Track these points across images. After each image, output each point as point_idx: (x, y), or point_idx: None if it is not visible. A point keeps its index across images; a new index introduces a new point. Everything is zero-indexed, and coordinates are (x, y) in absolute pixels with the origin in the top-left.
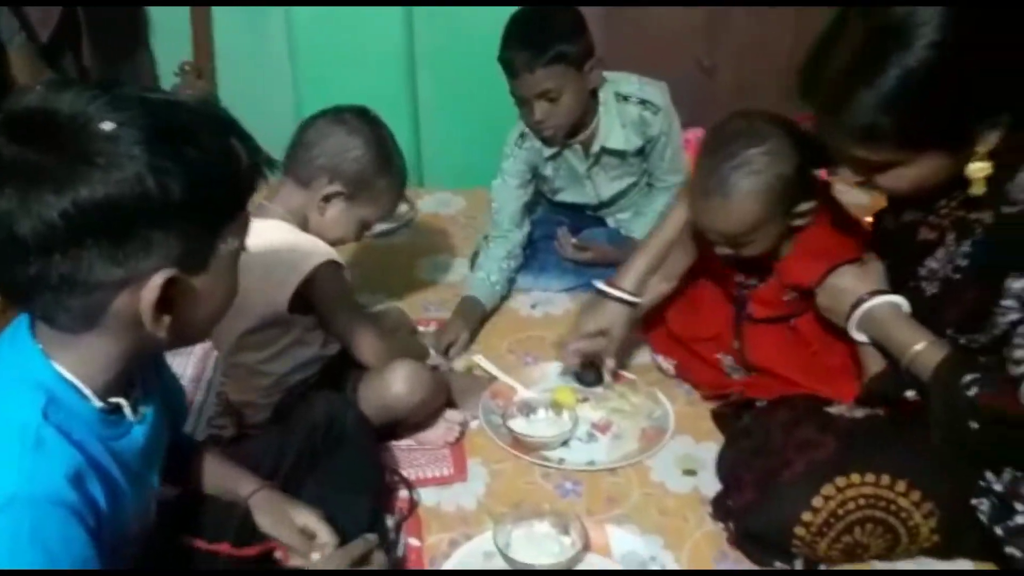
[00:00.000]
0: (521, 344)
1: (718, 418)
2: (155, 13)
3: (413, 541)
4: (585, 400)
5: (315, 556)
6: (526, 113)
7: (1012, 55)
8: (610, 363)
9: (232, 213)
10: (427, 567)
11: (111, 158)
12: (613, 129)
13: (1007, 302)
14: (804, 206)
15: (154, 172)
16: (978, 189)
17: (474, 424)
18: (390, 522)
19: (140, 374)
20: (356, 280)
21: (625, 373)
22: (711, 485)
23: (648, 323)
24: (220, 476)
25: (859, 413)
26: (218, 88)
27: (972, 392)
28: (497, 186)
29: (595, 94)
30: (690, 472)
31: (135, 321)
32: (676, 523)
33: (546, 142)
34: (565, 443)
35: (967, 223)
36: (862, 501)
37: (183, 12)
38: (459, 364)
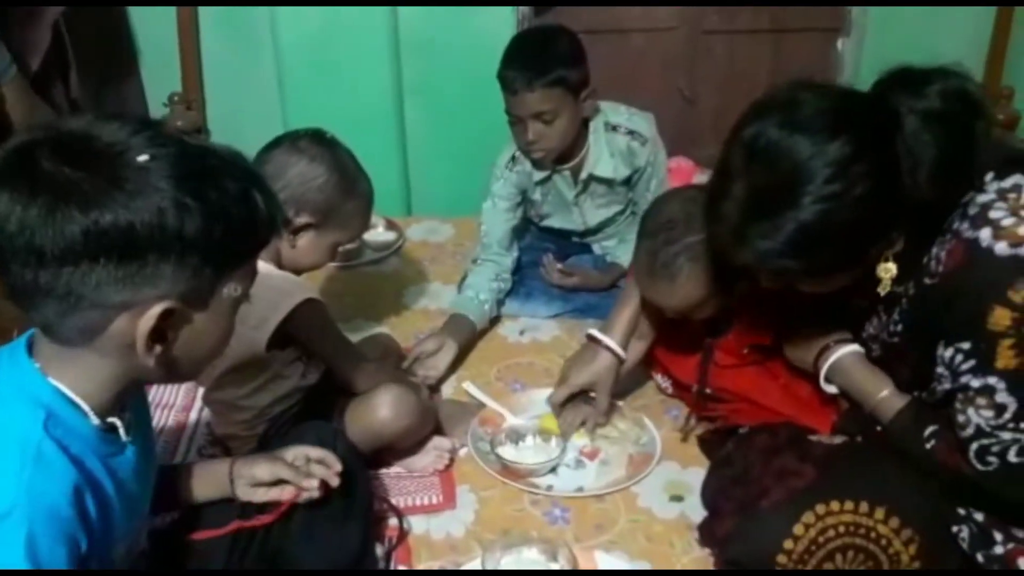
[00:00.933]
0: (509, 371)
1: (704, 444)
2: (144, 44)
3: (402, 567)
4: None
5: (316, 469)
6: (519, 133)
7: (894, 189)
8: (600, 419)
9: (241, 259)
10: None
11: (139, 186)
12: (602, 157)
13: (939, 369)
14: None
15: (175, 206)
16: (884, 288)
17: (462, 451)
18: (380, 550)
19: (130, 399)
20: (344, 307)
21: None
22: (698, 511)
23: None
24: (204, 477)
25: (837, 439)
26: (207, 118)
27: (930, 445)
28: (487, 209)
29: (586, 123)
30: (677, 498)
31: (129, 345)
32: (663, 549)
33: (536, 164)
34: (553, 470)
35: (893, 295)
36: (842, 529)
37: (172, 43)
38: (447, 391)
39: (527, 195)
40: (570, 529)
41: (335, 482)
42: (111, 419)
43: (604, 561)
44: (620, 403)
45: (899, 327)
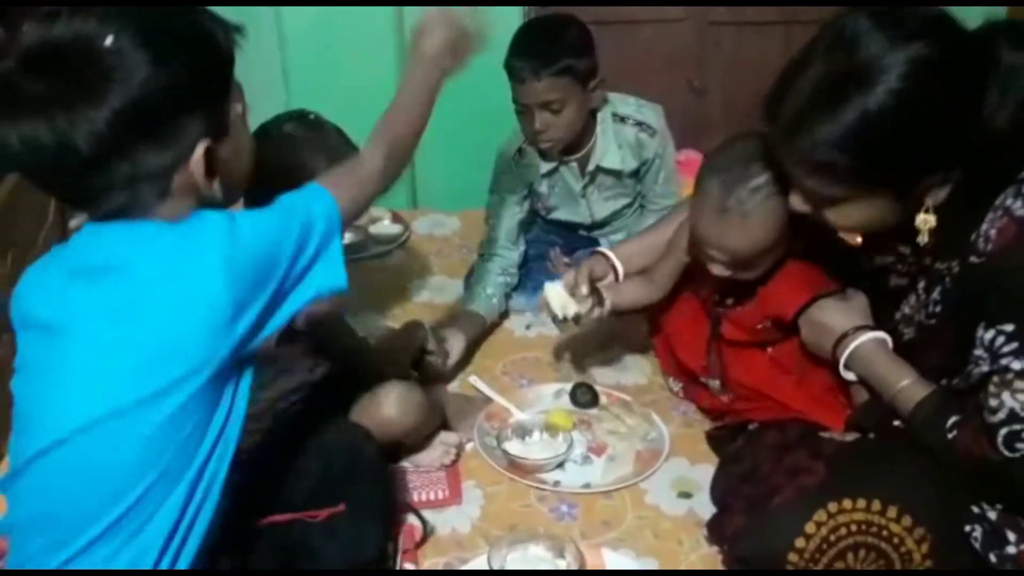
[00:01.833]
0: (516, 365)
1: (713, 440)
2: None
3: (408, 565)
4: (580, 422)
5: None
6: (526, 122)
7: (968, 115)
8: (571, 308)
9: (228, 80)
10: None
11: (123, 70)
12: (609, 149)
13: (978, 351)
14: (803, 234)
15: (164, 67)
16: (923, 239)
17: (469, 446)
18: (391, 547)
19: None
20: (349, 301)
21: (620, 394)
22: (706, 507)
23: (656, 346)
24: None
25: (849, 437)
26: None
27: (952, 435)
28: (494, 203)
29: (594, 114)
30: (685, 495)
31: (195, 188)
32: (671, 546)
33: (543, 154)
34: (560, 465)
35: (935, 273)
36: (854, 527)
37: None
38: (453, 385)
39: (533, 188)
40: (577, 525)
41: None
42: None
43: (611, 558)
44: (629, 399)
45: (939, 308)
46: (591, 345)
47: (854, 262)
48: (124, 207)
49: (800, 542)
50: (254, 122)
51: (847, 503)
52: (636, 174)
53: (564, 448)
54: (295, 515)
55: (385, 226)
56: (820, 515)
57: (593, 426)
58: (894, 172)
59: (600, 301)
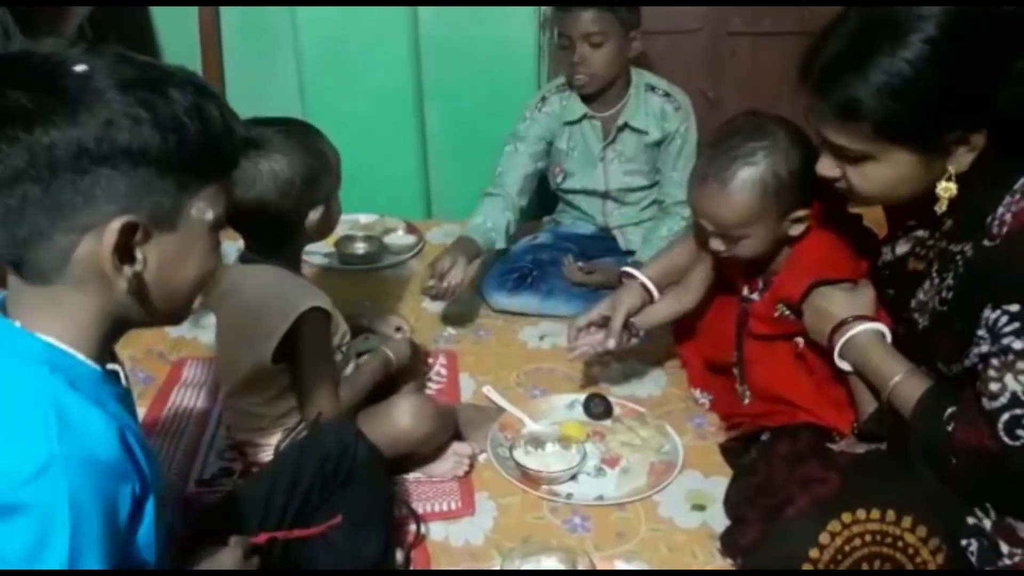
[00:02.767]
0: (529, 376)
1: (726, 452)
2: (166, 46)
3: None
4: (594, 434)
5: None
6: (566, 56)
7: (998, 71)
8: (610, 342)
9: (202, 175)
10: None
11: (82, 97)
12: (639, 111)
13: (980, 332)
14: (798, 212)
15: (124, 117)
16: (941, 207)
17: (482, 457)
18: (399, 556)
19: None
20: (364, 310)
21: (634, 406)
22: (720, 520)
23: (684, 356)
24: None
25: (860, 449)
26: None
27: (949, 427)
28: (508, 152)
29: (629, 72)
30: (699, 507)
31: (100, 273)
32: (685, 559)
33: (577, 90)
34: (574, 477)
35: (949, 255)
36: (868, 538)
37: (194, 45)
38: (466, 395)
39: (553, 143)
40: (590, 538)
41: None
42: (109, 366)
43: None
44: (643, 410)
45: (950, 293)
46: (606, 357)
47: (875, 253)
48: (20, 261)
49: (814, 552)
50: None
51: (861, 513)
52: (657, 146)
53: (577, 460)
54: (295, 532)
55: (399, 236)
56: (834, 525)
57: (607, 438)
58: (918, 123)
59: (634, 332)
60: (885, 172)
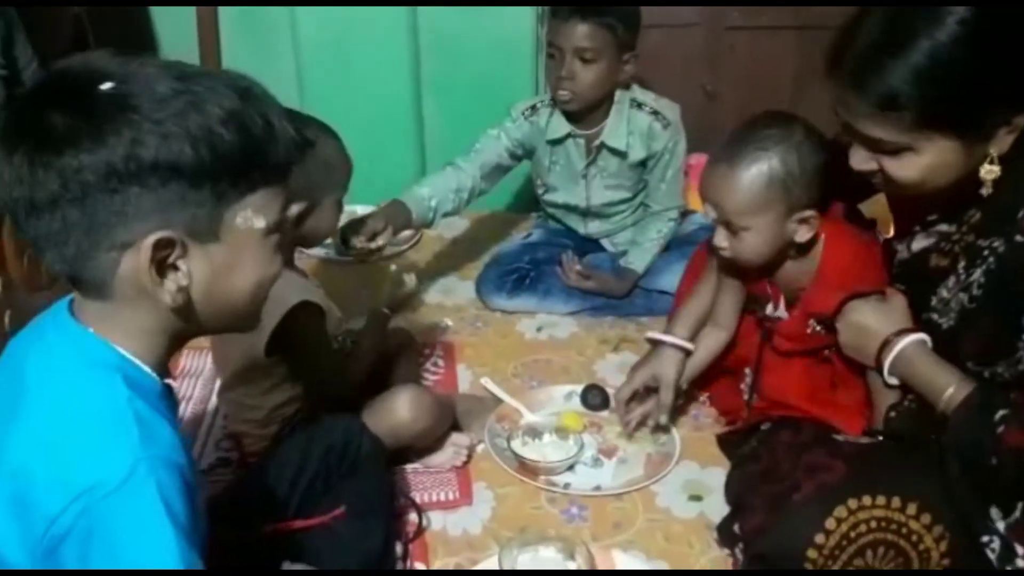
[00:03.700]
0: (527, 368)
1: (723, 443)
2: (165, 43)
3: (419, 565)
4: (591, 424)
5: None
6: (554, 67)
7: None
8: (663, 418)
9: (244, 183)
10: None
11: (109, 116)
12: (619, 130)
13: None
14: (804, 213)
15: (151, 134)
16: (987, 190)
17: (479, 448)
18: (399, 548)
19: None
20: (361, 302)
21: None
22: (717, 511)
23: None
24: None
25: (864, 440)
26: None
27: (1000, 429)
28: (491, 135)
29: (613, 95)
30: (696, 498)
31: (144, 288)
32: (681, 549)
33: (559, 106)
34: (571, 468)
35: (977, 250)
36: (873, 524)
37: (192, 40)
38: (464, 385)
39: (536, 156)
40: (588, 528)
41: None
42: (167, 380)
43: (622, 560)
44: None
45: (979, 291)
46: (603, 348)
47: (893, 253)
48: (74, 277)
49: (820, 538)
50: None
51: (867, 499)
52: (643, 165)
53: (575, 450)
54: (298, 523)
55: None
56: (840, 511)
57: (604, 428)
58: (961, 108)
59: (679, 392)
60: (925, 161)
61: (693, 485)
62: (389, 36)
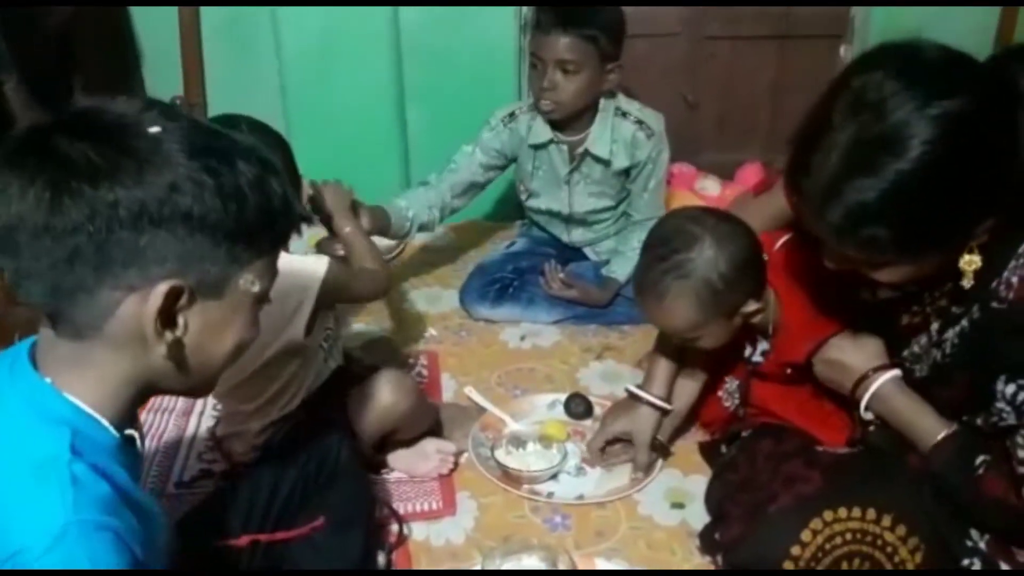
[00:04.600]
0: (510, 376)
1: (705, 450)
2: (146, 47)
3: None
4: (575, 433)
5: None
6: (536, 77)
7: (1006, 161)
8: (637, 472)
9: (256, 247)
10: None
11: (151, 158)
12: (602, 138)
13: (1000, 405)
14: (749, 307)
15: (189, 181)
16: (968, 282)
17: (463, 457)
18: (381, 557)
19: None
20: (345, 311)
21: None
22: (699, 518)
23: None
24: None
25: (843, 450)
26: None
27: (979, 474)
28: (465, 152)
29: (597, 103)
30: (678, 505)
31: (139, 335)
32: (664, 556)
33: (542, 115)
34: (554, 477)
35: (951, 315)
36: (849, 536)
37: (174, 46)
38: (447, 395)
39: (519, 160)
40: (571, 536)
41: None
42: (128, 431)
43: (604, 568)
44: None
45: (954, 349)
46: (586, 357)
47: (854, 296)
48: (60, 312)
49: (796, 549)
50: None
51: (843, 511)
52: (627, 174)
53: (558, 459)
54: (278, 535)
55: (380, 238)
56: (816, 523)
57: (587, 437)
58: (940, 234)
59: (665, 450)
60: (908, 271)
61: (675, 493)
62: (372, 44)
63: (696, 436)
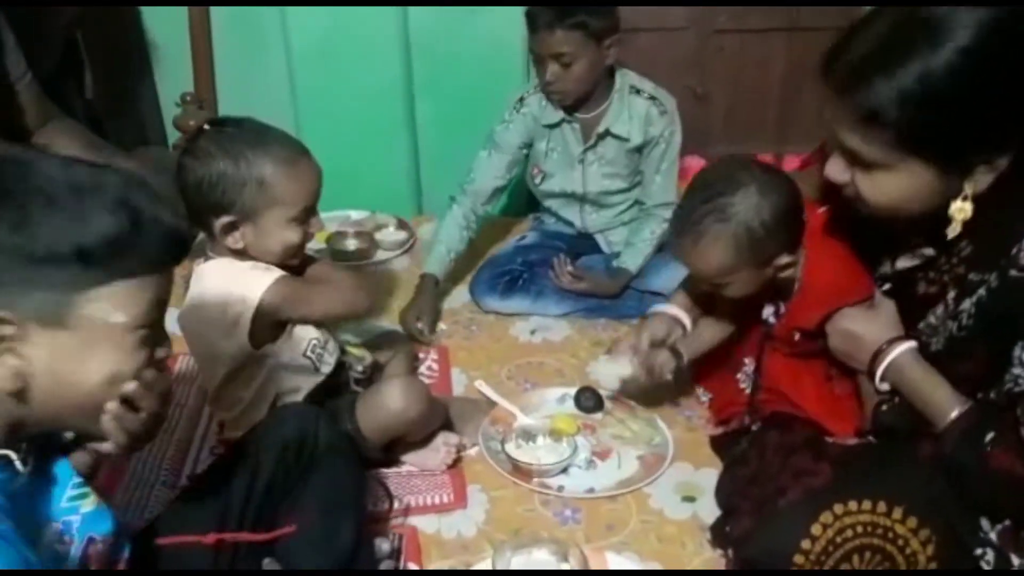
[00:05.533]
0: (520, 370)
1: (716, 444)
2: (157, 44)
3: (412, 565)
4: (585, 427)
5: None
6: (540, 71)
7: None
8: (639, 369)
9: (99, 273)
10: None
11: None
12: (621, 116)
13: (1016, 370)
14: (782, 259)
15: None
16: (955, 229)
17: (474, 451)
18: (386, 546)
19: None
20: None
21: (625, 399)
22: (710, 512)
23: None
24: None
25: (852, 441)
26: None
27: (988, 451)
28: (481, 158)
29: (612, 74)
30: (689, 499)
31: None
32: (675, 550)
33: (553, 104)
34: (565, 470)
35: (967, 282)
36: (859, 529)
37: (184, 43)
38: (458, 388)
39: (533, 145)
40: (581, 529)
41: None
42: (3, 452)
43: (615, 562)
44: (633, 404)
45: (971, 320)
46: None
47: (876, 265)
48: None
49: (806, 543)
50: None
51: (853, 504)
52: (640, 151)
53: (568, 453)
54: (241, 535)
55: (390, 233)
56: (826, 516)
57: (597, 431)
58: (944, 138)
59: (678, 356)
60: (898, 183)
61: (686, 486)
62: (380, 39)
63: (707, 429)
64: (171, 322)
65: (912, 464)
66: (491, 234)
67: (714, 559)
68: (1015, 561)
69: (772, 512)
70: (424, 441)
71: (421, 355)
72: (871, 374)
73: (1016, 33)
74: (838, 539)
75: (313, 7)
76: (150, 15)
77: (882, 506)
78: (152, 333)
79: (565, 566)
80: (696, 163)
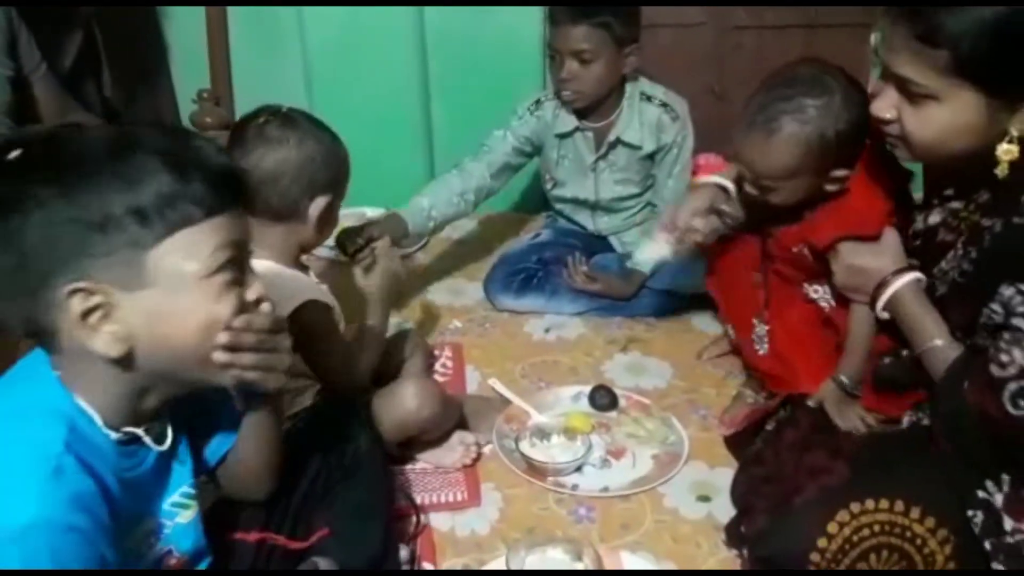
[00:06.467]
0: (535, 368)
1: (731, 443)
2: (173, 42)
3: (427, 566)
4: (599, 425)
5: None
6: (555, 68)
7: None
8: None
9: (161, 230)
10: None
11: (6, 185)
12: (632, 123)
13: (994, 306)
14: (838, 172)
15: (38, 195)
16: (1002, 171)
17: (487, 448)
18: (404, 552)
19: (164, 409)
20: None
21: (640, 398)
22: (725, 511)
23: (713, 289)
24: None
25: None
26: (235, 115)
27: (965, 386)
28: (497, 136)
29: (623, 84)
30: (704, 498)
31: (80, 341)
32: (689, 550)
33: (564, 105)
34: (579, 469)
35: (980, 228)
36: (877, 528)
37: (201, 41)
38: (472, 387)
39: (544, 151)
40: (595, 529)
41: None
42: (132, 429)
43: (629, 561)
44: (648, 402)
45: (971, 266)
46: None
47: (908, 222)
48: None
49: (822, 542)
50: None
51: (870, 503)
52: (651, 158)
53: (583, 451)
54: (279, 539)
55: None
56: (843, 515)
57: (612, 429)
58: (997, 63)
59: (722, 217)
60: (944, 116)
61: (701, 486)
62: (396, 37)
63: (722, 429)
64: None
65: (930, 463)
66: (504, 231)
67: (729, 559)
68: (1007, 525)
69: (788, 511)
70: (440, 439)
71: (435, 353)
72: (873, 302)
73: None
74: (855, 538)
75: (330, 6)
76: (167, 13)
77: (899, 505)
78: (234, 276)
79: (579, 565)
80: (715, 160)
